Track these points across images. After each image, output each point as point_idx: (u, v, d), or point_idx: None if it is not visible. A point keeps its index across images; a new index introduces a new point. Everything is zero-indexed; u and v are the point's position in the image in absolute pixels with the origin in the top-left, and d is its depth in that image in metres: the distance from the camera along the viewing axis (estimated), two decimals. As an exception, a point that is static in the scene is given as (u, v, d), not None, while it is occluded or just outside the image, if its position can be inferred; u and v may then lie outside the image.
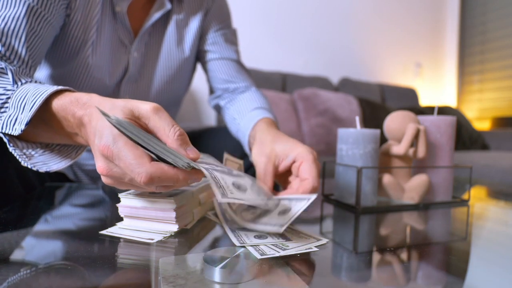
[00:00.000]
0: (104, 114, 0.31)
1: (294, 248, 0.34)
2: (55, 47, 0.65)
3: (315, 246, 0.35)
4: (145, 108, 0.35)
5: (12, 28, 0.53)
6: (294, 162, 0.49)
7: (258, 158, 0.51)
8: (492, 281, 0.31)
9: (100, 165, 0.34)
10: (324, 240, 0.37)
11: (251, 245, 0.35)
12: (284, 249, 0.34)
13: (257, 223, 0.38)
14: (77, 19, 0.63)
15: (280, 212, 0.38)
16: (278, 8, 2.39)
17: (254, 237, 0.37)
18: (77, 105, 0.40)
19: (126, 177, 0.34)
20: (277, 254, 0.32)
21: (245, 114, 0.73)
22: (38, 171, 0.68)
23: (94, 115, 0.36)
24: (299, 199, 0.40)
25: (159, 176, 0.32)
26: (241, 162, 0.55)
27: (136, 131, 0.32)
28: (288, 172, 0.51)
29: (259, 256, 0.31)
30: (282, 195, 0.46)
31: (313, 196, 0.39)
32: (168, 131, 0.34)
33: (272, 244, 0.35)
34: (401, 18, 2.86)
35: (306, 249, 0.34)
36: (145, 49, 0.74)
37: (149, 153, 0.32)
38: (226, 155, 0.52)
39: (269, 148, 0.51)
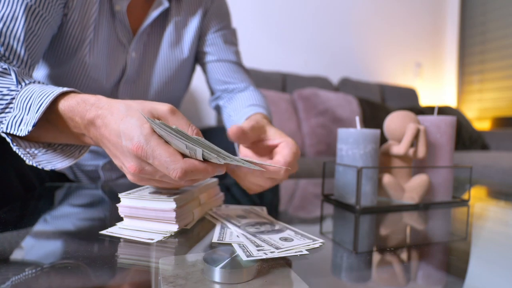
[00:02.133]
0: (148, 120, 0.33)
1: (285, 250, 0.33)
2: (53, 46, 0.65)
3: (306, 250, 0.34)
4: (162, 109, 0.38)
5: (11, 28, 0.53)
6: (278, 146, 0.48)
7: (246, 123, 0.49)
8: (492, 281, 0.31)
9: (132, 165, 0.36)
10: (317, 243, 0.36)
11: (238, 244, 0.34)
12: (274, 251, 0.33)
13: (256, 237, 0.37)
14: (74, 18, 0.63)
15: (282, 238, 0.37)
16: (278, 8, 2.39)
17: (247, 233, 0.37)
18: (85, 106, 0.41)
19: (157, 174, 0.36)
20: (264, 256, 0.31)
21: (240, 111, 0.73)
22: (38, 171, 0.69)
23: (110, 117, 0.38)
24: (304, 236, 0.38)
25: (192, 170, 0.34)
26: None
27: (178, 130, 0.34)
28: (263, 148, 0.51)
29: (245, 258, 0.30)
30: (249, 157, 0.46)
31: (319, 241, 0.37)
32: (186, 130, 0.37)
33: (263, 244, 0.34)
34: (401, 18, 2.86)
35: (296, 252, 0.33)
36: (143, 50, 0.74)
37: (184, 149, 0.34)
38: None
39: (259, 124, 0.51)
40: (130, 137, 0.34)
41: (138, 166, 0.35)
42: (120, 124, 0.36)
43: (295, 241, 0.36)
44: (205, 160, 0.35)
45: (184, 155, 0.35)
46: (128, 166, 0.36)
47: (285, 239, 0.36)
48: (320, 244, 0.36)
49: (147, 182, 0.38)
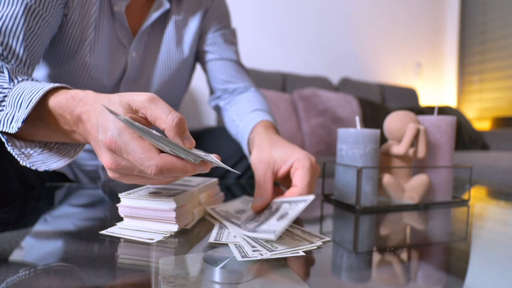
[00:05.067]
0: (113, 113, 0.32)
1: (281, 251, 0.33)
2: (53, 46, 0.65)
3: (303, 251, 0.33)
4: (140, 99, 0.35)
5: (10, 27, 0.53)
6: (291, 167, 0.48)
7: (257, 164, 0.50)
8: (492, 281, 0.31)
9: (107, 160, 0.34)
10: (315, 245, 0.36)
11: (234, 244, 0.34)
12: (271, 250, 0.33)
13: (256, 231, 0.37)
14: (74, 19, 0.63)
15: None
16: (278, 8, 2.39)
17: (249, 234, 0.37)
18: (73, 102, 0.40)
19: (135, 170, 0.34)
20: (259, 257, 0.31)
21: (244, 116, 0.73)
22: (38, 171, 0.69)
23: (93, 112, 0.36)
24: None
25: (169, 168, 0.32)
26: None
27: (145, 129, 0.32)
28: (288, 176, 0.50)
29: (239, 258, 0.30)
30: (280, 198, 0.46)
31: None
32: (165, 118, 0.34)
33: (259, 245, 0.34)
34: (401, 18, 2.86)
35: (292, 253, 0.33)
36: (144, 50, 0.74)
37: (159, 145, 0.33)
38: None
39: (268, 154, 0.50)
40: (105, 131, 0.33)
41: (114, 161, 0.34)
42: (99, 117, 0.35)
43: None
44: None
45: (161, 151, 0.33)
46: (103, 161, 0.35)
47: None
48: (320, 244, 0.36)
49: (128, 178, 0.36)
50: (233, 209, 0.48)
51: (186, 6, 0.76)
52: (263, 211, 0.45)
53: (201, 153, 0.35)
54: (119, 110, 0.35)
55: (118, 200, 0.40)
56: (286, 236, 0.38)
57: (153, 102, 0.35)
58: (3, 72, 0.47)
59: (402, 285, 0.29)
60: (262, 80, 2.10)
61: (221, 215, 0.45)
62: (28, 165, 0.44)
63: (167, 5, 0.72)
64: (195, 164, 0.34)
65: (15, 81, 0.46)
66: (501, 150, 2.37)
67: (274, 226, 0.36)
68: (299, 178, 0.46)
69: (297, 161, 0.47)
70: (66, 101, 0.40)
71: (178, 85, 0.81)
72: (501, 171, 1.55)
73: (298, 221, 0.47)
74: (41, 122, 0.44)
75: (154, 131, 0.33)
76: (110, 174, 0.36)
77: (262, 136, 0.59)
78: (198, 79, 1.55)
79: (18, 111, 0.43)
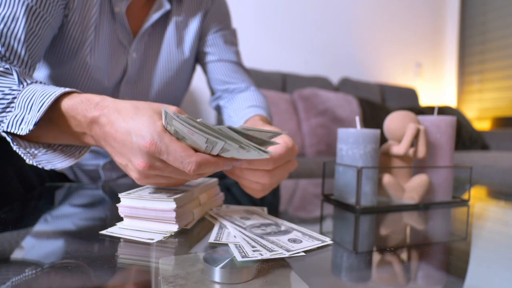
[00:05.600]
0: (170, 113, 0.34)
1: (281, 251, 0.33)
2: (54, 47, 0.65)
3: (303, 251, 0.33)
4: (172, 108, 0.39)
5: (12, 28, 0.53)
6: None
7: None
8: (492, 281, 0.31)
9: (142, 161, 0.36)
10: (315, 245, 0.35)
11: (234, 244, 0.34)
12: (271, 250, 0.32)
13: (264, 239, 0.36)
14: (75, 20, 0.63)
15: (290, 239, 0.37)
16: (278, 8, 2.39)
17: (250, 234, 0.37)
18: (89, 105, 0.41)
19: (167, 170, 0.37)
20: (259, 257, 0.31)
21: (240, 112, 0.73)
22: (38, 171, 0.69)
23: (116, 116, 0.38)
24: (312, 237, 0.38)
25: (205, 163, 0.36)
26: None
27: (201, 123, 0.34)
28: None
29: (239, 258, 0.30)
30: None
31: (327, 240, 0.37)
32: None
33: (259, 245, 0.34)
34: (401, 18, 2.86)
35: (292, 254, 0.33)
36: (144, 50, 0.74)
37: (201, 145, 0.36)
38: None
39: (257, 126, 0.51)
40: (142, 135, 0.36)
41: (149, 163, 0.36)
42: (130, 121, 0.37)
43: (304, 243, 0.36)
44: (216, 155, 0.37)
45: (196, 151, 0.37)
46: (137, 163, 0.37)
47: (294, 241, 0.36)
48: (329, 243, 0.36)
49: (153, 179, 0.39)
50: (237, 215, 0.47)
51: (186, 7, 0.76)
52: (269, 224, 0.44)
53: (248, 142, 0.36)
54: (154, 116, 0.37)
55: (118, 200, 0.40)
56: (296, 236, 0.38)
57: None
58: (12, 74, 0.48)
59: (402, 285, 0.29)
60: (262, 80, 2.10)
61: (225, 219, 0.44)
62: (35, 164, 0.45)
63: (167, 6, 0.72)
64: (226, 159, 0.38)
65: (24, 83, 0.47)
66: (501, 150, 2.38)
67: (286, 244, 0.35)
68: (275, 148, 0.44)
69: (280, 139, 0.46)
70: (80, 103, 0.42)
71: (179, 86, 0.81)
72: (501, 171, 1.55)
73: (298, 222, 0.47)
74: (50, 124, 0.45)
75: (209, 124, 0.35)
76: (136, 175, 0.38)
77: (253, 122, 0.60)
78: (198, 79, 1.55)
79: (28, 113, 0.43)
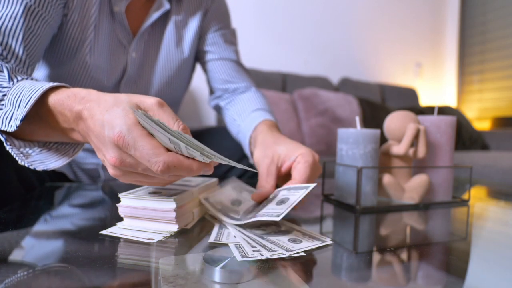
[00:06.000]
0: (132, 109, 0.33)
1: (281, 251, 0.33)
2: (53, 47, 0.65)
3: (303, 251, 0.33)
4: (150, 102, 0.37)
5: (10, 27, 0.53)
6: (294, 162, 0.48)
7: (261, 159, 0.50)
8: (492, 281, 0.31)
9: (113, 156, 0.34)
10: (315, 245, 0.35)
11: (234, 244, 0.34)
12: (271, 250, 0.32)
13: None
14: (74, 19, 0.63)
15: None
16: (278, 8, 2.39)
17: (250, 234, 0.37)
18: (74, 100, 0.40)
19: (139, 167, 0.34)
20: (259, 257, 0.31)
21: (246, 116, 0.73)
22: (38, 171, 0.69)
23: (96, 108, 0.37)
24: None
25: (175, 165, 0.33)
26: None
27: (162, 124, 0.33)
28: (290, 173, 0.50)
29: (239, 258, 0.30)
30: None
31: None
32: (172, 124, 0.36)
33: (259, 245, 0.34)
34: (401, 18, 2.86)
35: (292, 254, 0.33)
36: (144, 50, 0.74)
37: (168, 144, 0.33)
38: None
39: (272, 150, 0.51)
40: (112, 126, 0.33)
41: (119, 157, 0.34)
42: (105, 114, 0.35)
43: (304, 243, 0.36)
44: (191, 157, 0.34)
45: (169, 150, 0.34)
46: (108, 158, 0.35)
47: (294, 241, 0.36)
48: (329, 243, 0.36)
49: (129, 176, 0.37)
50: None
51: (186, 6, 0.76)
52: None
53: (214, 153, 0.35)
54: (129, 109, 0.35)
55: (118, 200, 0.40)
56: (296, 237, 0.38)
57: (161, 107, 0.37)
58: (2, 72, 0.47)
59: (402, 285, 0.29)
60: (262, 80, 2.10)
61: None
62: (26, 165, 0.44)
63: (167, 6, 0.72)
64: (201, 163, 0.34)
65: (15, 80, 0.46)
66: (501, 150, 2.37)
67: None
68: (299, 172, 0.45)
69: (300, 156, 0.47)
70: (67, 98, 0.40)
71: (178, 85, 0.81)
72: (501, 171, 1.55)
73: (298, 222, 0.47)
74: (40, 121, 0.44)
75: (167, 125, 0.33)
76: (112, 171, 0.36)
77: (265, 133, 0.59)
78: (198, 79, 1.54)
79: (17, 110, 0.42)
